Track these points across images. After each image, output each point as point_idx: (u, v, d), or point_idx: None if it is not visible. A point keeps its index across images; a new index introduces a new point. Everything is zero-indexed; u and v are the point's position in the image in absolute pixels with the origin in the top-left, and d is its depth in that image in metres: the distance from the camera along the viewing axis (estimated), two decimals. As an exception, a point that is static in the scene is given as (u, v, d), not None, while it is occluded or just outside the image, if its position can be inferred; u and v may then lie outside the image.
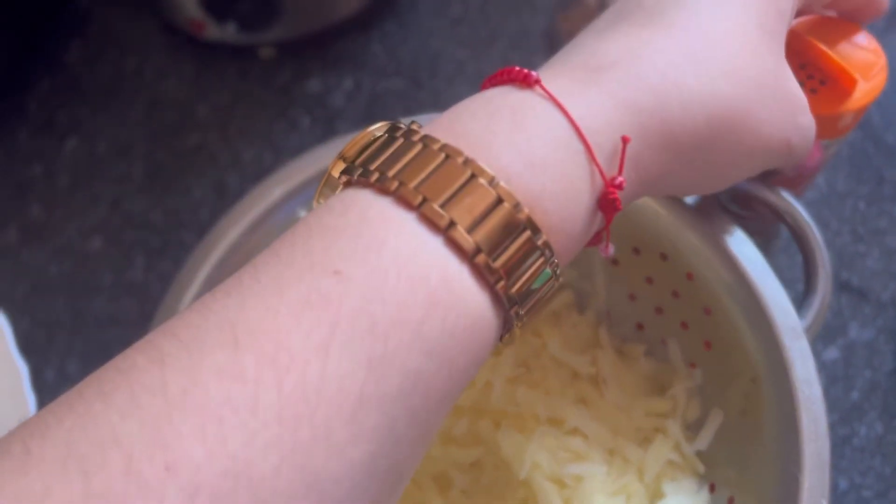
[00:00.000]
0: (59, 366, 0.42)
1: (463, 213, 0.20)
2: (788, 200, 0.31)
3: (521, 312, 0.21)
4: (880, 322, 0.41)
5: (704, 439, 0.32)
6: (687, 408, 0.33)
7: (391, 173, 0.20)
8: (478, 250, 0.20)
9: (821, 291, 0.30)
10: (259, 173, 0.46)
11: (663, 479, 0.32)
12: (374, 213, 0.20)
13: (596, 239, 0.24)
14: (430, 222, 0.20)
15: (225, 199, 0.47)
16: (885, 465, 0.39)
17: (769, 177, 0.31)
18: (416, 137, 0.21)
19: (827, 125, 0.33)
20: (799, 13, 0.30)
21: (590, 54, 0.23)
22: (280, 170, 0.34)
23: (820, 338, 0.41)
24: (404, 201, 0.20)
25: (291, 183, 0.34)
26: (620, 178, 0.22)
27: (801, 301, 0.30)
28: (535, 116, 0.21)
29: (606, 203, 0.22)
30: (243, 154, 0.48)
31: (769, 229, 0.42)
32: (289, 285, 0.18)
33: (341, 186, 0.22)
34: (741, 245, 0.31)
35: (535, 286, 0.21)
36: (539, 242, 0.21)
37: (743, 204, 0.33)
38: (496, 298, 0.20)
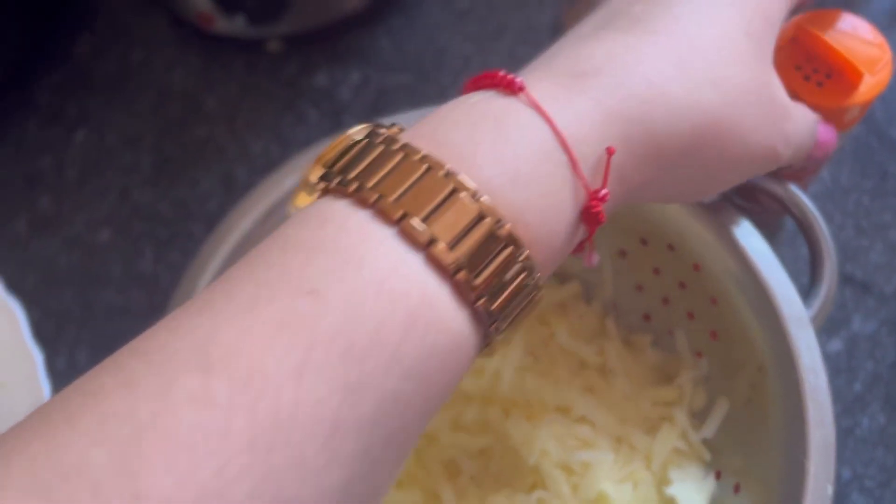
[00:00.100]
0: (68, 355, 0.43)
1: (444, 229, 0.19)
2: (794, 192, 0.32)
3: (502, 327, 0.21)
4: (883, 315, 0.42)
5: (711, 427, 0.33)
6: (693, 397, 0.34)
7: (370, 184, 0.20)
8: (459, 268, 0.19)
9: (826, 282, 0.31)
10: (267, 166, 0.46)
11: (670, 466, 0.32)
12: (353, 228, 0.19)
13: (580, 248, 0.24)
14: (411, 238, 0.19)
15: (233, 191, 0.47)
16: (888, 455, 0.39)
17: (778, 170, 0.32)
18: (396, 146, 0.20)
19: (832, 118, 0.34)
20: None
21: (575, 59, 0.23)
22: (289, 162, 0.35)
23: (823, 330, 0.41)
24: (384, 215, 0.19)
25: (300, 175, 0.34)
26: (604, 191, 0.22)
27: (806, 292, 0.31)
28: (520, 127, 0.21)
29: (590, 216, 0.22)
30: (251, 146, 0.48)
31: (773, 222, 0.42)
32: (263, 305, 0.18)
33: (318, 193, 0.21)
34: (748, 236, 0.31)
35: (516, 301, 0.21)
36: (521, 258, 0.20)
37: (747, 196, 0.34)
38: (477, 315, 0.20)
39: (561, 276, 0.37)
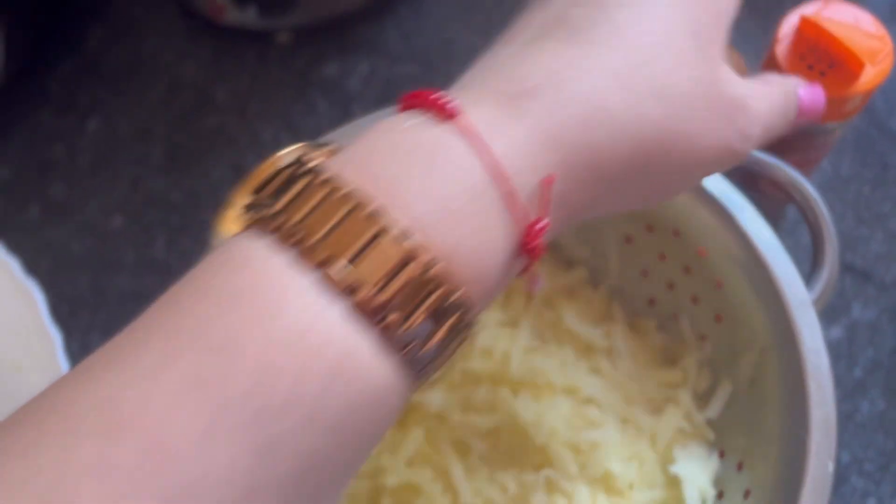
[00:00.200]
0: (82, 339, 0.43)
1: (369, 273, 0.18)
2: (795, 177, 0.32)
3: (433, 371, 0.20)
4: (883, 302, 0.42)
5: (714, 408, 0.33)
6: (697, 378, 0.34)
7: (293, 220, 0.18)
8: (385, 314, 0.18)
9: (828, 265, 0.31)
10: (277, 154, 0.47)
11: (674, 445, 0.33)
12: (271, 274, 0.18)
13: (524, 272, 0.23)
14: (333, 284, 0.18)
15: (243, 179, 0.48)
16: (887, 440, 0.40)
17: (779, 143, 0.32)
18: (322, 177, 0.19)
19: (834, 108, 0.34)
20: None
21: (512, 77, 0.21)
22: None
23: (824, 318, 0.42)
24: (306, 257, 0.18)
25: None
26: (544, 223, 0.21)
27: (807, 279, 0.32)
28: (452, 159, 0.20)
29: (528, 250, 0.21)
30: (261, 135, 0.49)
31: (774, 212, 0.43)
32: (172, 362, 0.17)
33: (244, 221, 0.20)
34: (752, 222, 0.32)
35: (448, 342, 0.20)
36: (454, 298, 0.19)
37: (749, 185, 0.35)
38: (405, 362, 0.19)
39: (567, 262, 0.38)
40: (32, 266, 0.45)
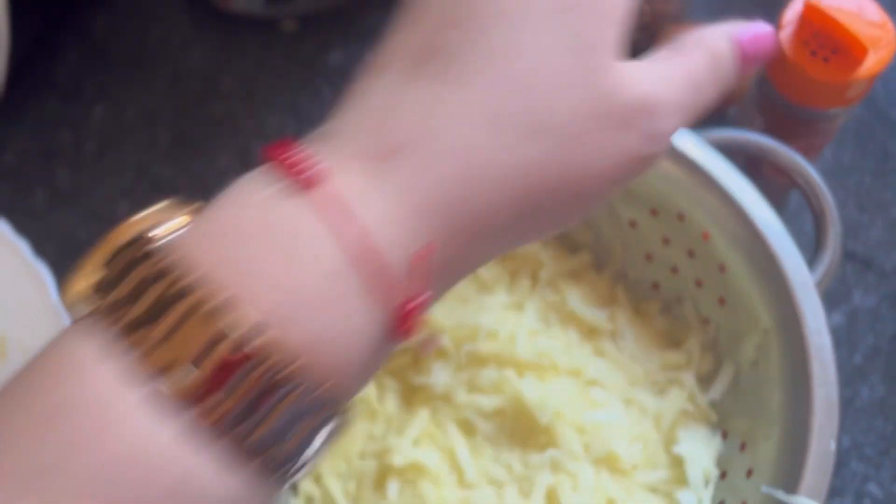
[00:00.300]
0: (89, 324, 0.44)
1: (213, 380, 0.16)
2: (798, 160, 0.33)
3: (297, 471, 0.18)
4: (883, 290, 0.43)
5: (717, 390, 0.34)
6: (701, 361, 0.35)
7: (129, 318, 0.17)
8: (231, 424, 0.16)
9: (830, 247, 0.32)
10: (283, 141, 0.47)
11: (678, 427, 0.34)
12: (99, 386, 0.16)
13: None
14: (170, 397, 0.16)
15: (250, 166, 0.47)
16: (887, 425, 0.40)
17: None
18: (166, 262, 0.17)
19: (836, 94, 0.35)
20: None
21: (379, 130, 0.19)
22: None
23: (825, 304, 0.43)
24: (140, 364, 0.16)
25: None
26: (421, 299, 0.19)
27: (809, 264, 0.32)
28: (310, 241, 0.18)
29: (402, 331, 0.19)
30: (267, 122, 0.49)
31: (776, 198, 0.44)
32: None
33: (79, 308, 0.18)
34: (756, 205, 0.33)
35: (311, 440, 0.18)
36: (315, 395, 0.17)
37: (751, 171, 0.35)
38: (261, 470, 0.17)
39: (571, 246, 0.38)
40: (38, 252, 0.46)
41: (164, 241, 0.18)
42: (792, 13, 0.35)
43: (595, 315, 0.36)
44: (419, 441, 0.34)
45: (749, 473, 0.31)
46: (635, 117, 0.21)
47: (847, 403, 0.41)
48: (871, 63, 0.34)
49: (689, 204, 0.34)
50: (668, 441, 0.34)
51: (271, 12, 0.50)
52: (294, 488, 0.33)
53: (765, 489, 0.29)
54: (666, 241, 0.36)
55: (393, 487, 0.33)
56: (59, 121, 0.50)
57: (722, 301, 0.34)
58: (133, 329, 0.17)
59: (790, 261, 0.31)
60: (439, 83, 0.20)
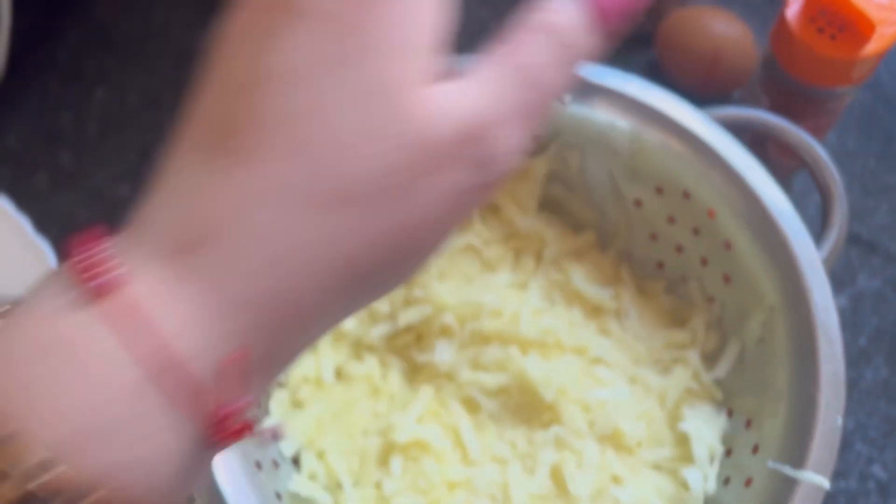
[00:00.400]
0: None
1: None
2: (804, 137, 0.33)
3: None
4: (888, 273, 0.43)
5: (723, 368, 0.34)
6: (706, 339, 0.35)
7: None
8: None
9: (837, 224, 0.32)
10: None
11: (683, 405, 0.33)
12: None
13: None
14: None
15: None
16: (890, 407, 0.40)
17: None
18: None
19: (843, 71, 0.35)
20: None
21: (184, 220, 0.17)
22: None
23: (830, 287, 0.43)
24: None
25: None
26: (236, 405, 0.17)
27: (815, 241, 0.32)
28: (103, 358, 0.16)
29: (220, 440, 0.17)
30: (270, 105, 0.49)
31: (781, 180, 0.43)
32: None
33: None
34: (762, 182, 0.32)
35: None
36: None
37: (756, 152, 0.35)
38: None
39: (575, 226, 0.38)
40: (40, 232, 0.46)
41: None
42: (799, -9, 0.35)
43: (599, 294, 0.36)
44: (423, 418, 0.33)
45: (755, 450, 0.31)
46: (458, 149, 0.18)
47: (851, 386, 0.40)
48: (879, 40, 0.34)
49: (695, 181, 0.34)
50: (673, 419, 0.33)
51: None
52: (297, 465, 0.33)
53: (771, 465, 0.29)
54: (671, 220, 0.36)
55: (396, 464, 0.32)
56: (60, 103, 0.50)
57: (727, 279, 0.34)
58: None
59: (797, 237, 0.31)
60: (234, 162, 0.18)
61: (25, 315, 0.17)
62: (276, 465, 0.31)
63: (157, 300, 0.17)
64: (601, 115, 0.35)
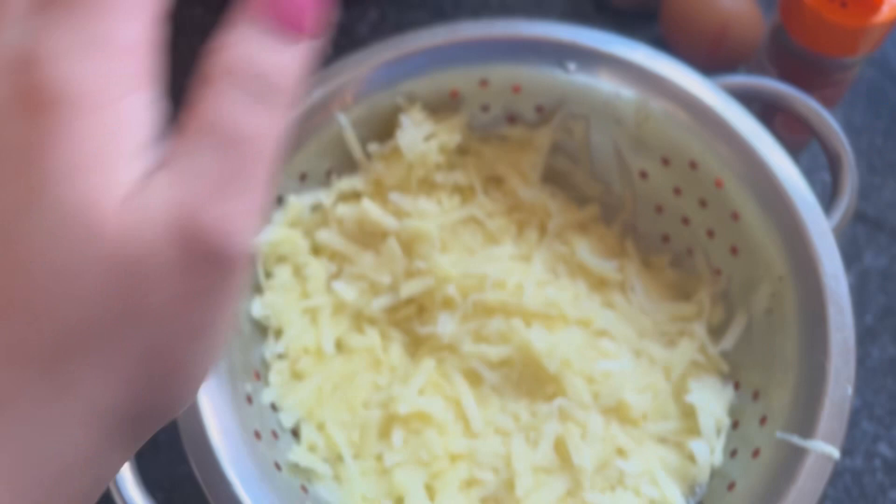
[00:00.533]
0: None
1: None
2: (813, 105, 0.32)
3: None
4: (895, 250, 0.42)
5: (730, 340, 0.33)
6: (712, 312, 0.34)
7: None
8: None
9: (847, 193, 0.31)
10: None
11: (689, 378, 0.33)
12: None
13: None
14: None
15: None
16: (897, 385, 0.40)
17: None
18: None
19: (852, 40, 0.34)
20: None
21: None
22: (320, 72, 0.35)
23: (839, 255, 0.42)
24: None
25: (330, 85, 0.35)
26: None
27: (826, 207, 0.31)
28: None
29: None
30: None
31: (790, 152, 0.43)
32: None
33: None
34: (770, 150, 0.32)
35: None
36: None
37: (766, 122, 0.34)
38: None
39: (580, 200, 0.37)
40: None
41: None
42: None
43: (604, 266, 0.35)
44: (424, 390, 0.33)
45: (762, 421, 0.30)
46: (175, 252, 0.15)
47: (858, 364, 0.40)
48: (890, 9, 0.33)
49: (702, 151, 0.33)
50: (679, 392, 0.33)
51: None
52: (297, 437, 0.32)
53: (780, 435, 0.28)
54: (677, 192, 0.35)
55: (397, 436, 0.32)
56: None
57: (734, 250, 0.33)
58: None
59: (806, 206, 0.31)
60: None
61: None
62: (275, 435, 0.31)
63: None
64: (606, 84, 0.34)
